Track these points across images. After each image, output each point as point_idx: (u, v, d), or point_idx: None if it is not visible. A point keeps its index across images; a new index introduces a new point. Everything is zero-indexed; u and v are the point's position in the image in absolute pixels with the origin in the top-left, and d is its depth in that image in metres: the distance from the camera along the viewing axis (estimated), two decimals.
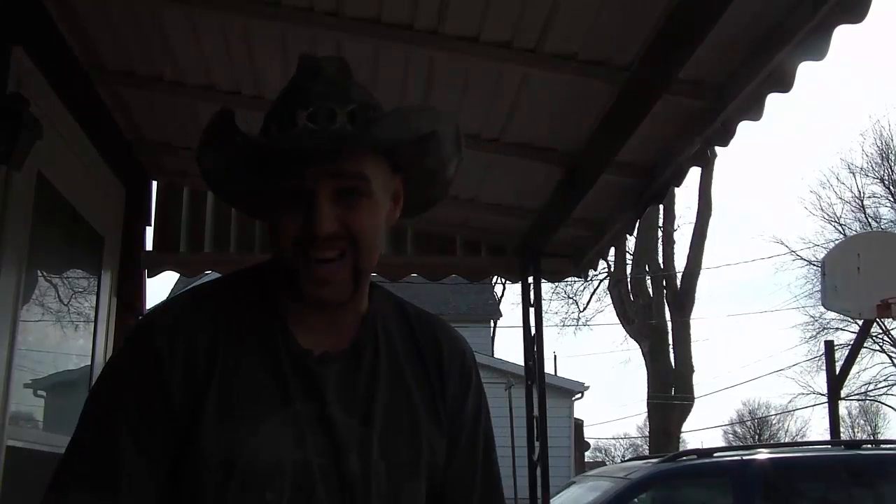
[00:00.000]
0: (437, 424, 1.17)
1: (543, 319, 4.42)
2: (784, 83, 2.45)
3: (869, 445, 9.82)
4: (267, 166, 1.08)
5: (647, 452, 18.78)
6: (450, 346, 1.23)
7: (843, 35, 2.16)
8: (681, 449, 13.20)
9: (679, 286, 17.50)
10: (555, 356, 27.44)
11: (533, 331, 4.32)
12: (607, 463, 25.90)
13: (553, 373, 17.54)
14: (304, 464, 1.07)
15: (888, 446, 6.91)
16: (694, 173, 3.33)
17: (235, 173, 1.13)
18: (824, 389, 10.03)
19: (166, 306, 1.15)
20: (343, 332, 1.15)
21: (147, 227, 4.11)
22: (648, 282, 18.08)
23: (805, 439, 29.19)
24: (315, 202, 1.04)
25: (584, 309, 21.52)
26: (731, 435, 36.89)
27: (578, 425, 16.30)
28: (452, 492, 1.20)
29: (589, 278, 16.16)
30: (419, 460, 1.14)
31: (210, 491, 1.05)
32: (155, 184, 4.19)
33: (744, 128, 2.73)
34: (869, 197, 22.75)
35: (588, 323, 22.21)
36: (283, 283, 1.10)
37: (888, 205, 22.35)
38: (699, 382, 33.85)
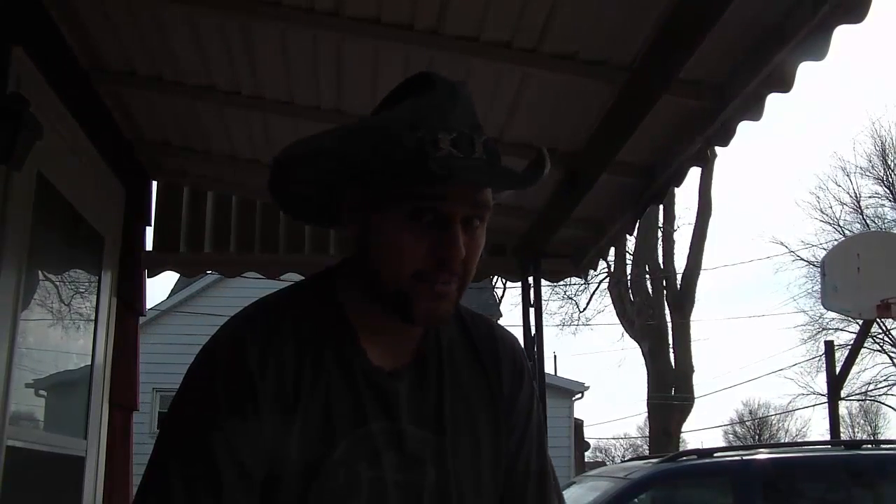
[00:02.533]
0: (496, 424, 1.20)
1: (543, 319, 4.42)
2: (784, 83, 2.45)
3: (869, 445, 9.82)
4: (393, 182, 1.05)
5: (647, 452, 18.78)
6: (503, 345, 1.25)
7: (843, 35, 2.16)
8: (681, 449, 13.20)
9: (679, 286, 17.50)
10: (555, 356, 27.47)
11: (533, 331, 4.32)
12: (607, 463, 25.91)
13: (553, 373, 17.56)
14: (379, 481, 1.09)
15: (888, 446, 6.91)
16: (694, 173, 3.33)
17: (327, 178, 1.13)
18: (824, 389, 10.04)
19: (247, 321, 1.13)
20: (407, 344, 1.16)
21: (147, 227, 4.11)
22: (648, 282, 18.08)
23: (805, 439, 29.20)
24: (452, 227, 1.05)
25: (584, 309, 21.53)
26: (731, 435, 36.90)
27: (578, 425, 16.31)
28: (508, 487, 1.22)
29: (589, 278, 16.18)
30: (485, 461, 1.18)
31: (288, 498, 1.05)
32: (155, 184, 4.18)
33: (744, 128, 2.73)
34: (868, 197, 22.77)
35: (588, 323, 22.22)
36: (384, 302, 1.09)
37: (888, 205, 22.36)
38: (699, 382, 33.90)
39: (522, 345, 1.36)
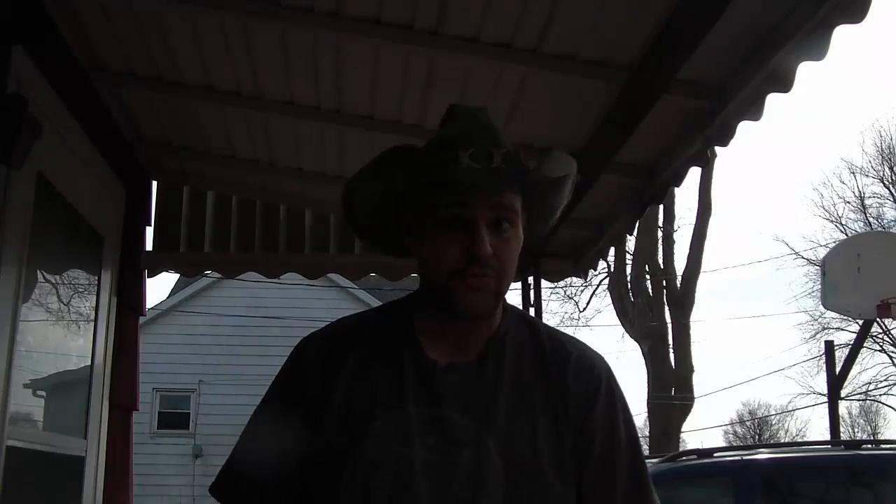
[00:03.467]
0: (559, 436, 1.25)
1: (543, 319, 4.42)
2: (784, 83, 2.45)
3: (869, 445, 9.82)
4: (427, 199, 1.25)
5: (647, 452, 18.77)
6: (578, 364, 1.32)
7: (843, 35, 2.16)
8: (681, 449, 13.20)
9: (679, 286, 17.49)
10: None
11: None
12: None
13: None
14: (406, 459, 1.21)
15: (888, 446, 6.92)
16: (694, 173, 3.33)
17: (379, 206, 1.32)
18: (824, 389, 10.04)
19: (312, 333, 1.37)
20: (471, 347, 1.28)
21: (147, 227, 4.11)
22: (648, 282, 18.07)
23: (805, 439, 29.19)
24: (477, 228, 1.21)
25: (584, 309, 21.52)
26: (731, 435, 36.90)
27: None
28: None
29: (589, 278, 16.17)
30: (541, 465, 1.23)
31: (326, 479, 1.23)
32: (155, 184, 4.18)
33: (744, 128, 2.73)
34: (870, 197, 22.76)
35: (588, 323, 22.20)
36: (434, 302, 1.27)
37: (889, 205, 22.36)
38: (699, 382, 33.85)
39: None
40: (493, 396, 1.25)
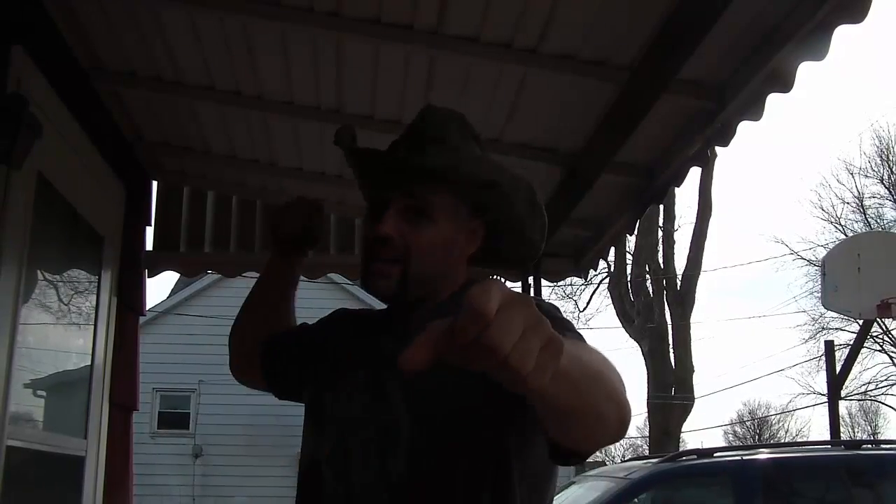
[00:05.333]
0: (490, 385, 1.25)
1: None
2: (784, 83, 2.45)
3: (869, 445, 9.82)
4: (368, 178, 1.40)
5: (647, 452, 18.78)
6: None
7: (843, 35, 2.16)
8: (681, 449, 13.20)
9: (679, 286, 17.49)
10: None
11: None
12: (607, 463, 25.91)
13: None
14: (348, 418, 1.33)
15: (888, 446, 6.91)
16: (694, 173, 3.33)
17: (361, 181, 1.47)
18: (824, 389, 10.03)
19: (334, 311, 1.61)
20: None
21: (147, 227, 4.11)
22: (649, 282, 18.07)
23: (805, 439, 29.19)
24: (382, 212, 1.32)
25: (584, 309, 21.54)
26: (731, 435, 36.92)
27: None
28: None
29: (589, 278, 16.17)
30: (461, 417, 1.25)
31: (306, 431, 1.42)
32: (155, 184, 4.18)
33: (744, 128, 2.73)
34: (869, 197, 22.77)
35: (588, 323, 22.21)
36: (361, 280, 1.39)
37: (888, 205, 22.36)
38: (699, 382, 33.86)
39: None
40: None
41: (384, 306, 1.48)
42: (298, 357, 1.54)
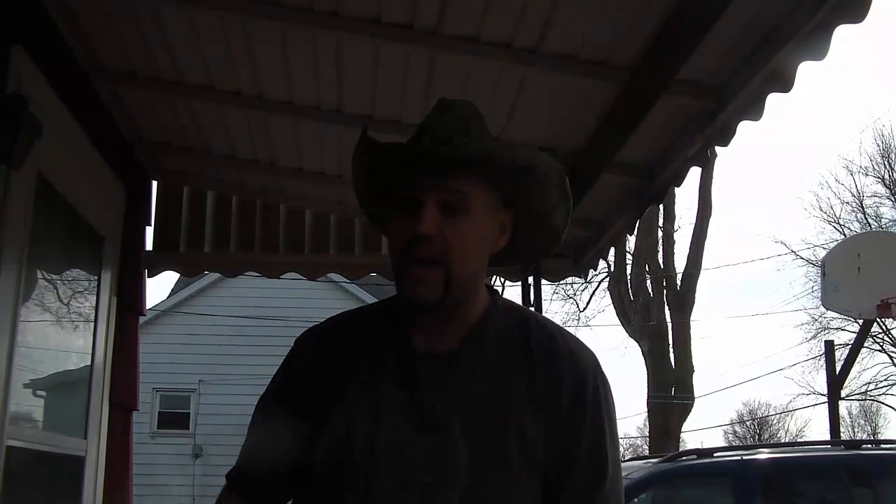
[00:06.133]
0: (535, 426, 1.25)
1: None
2: (784, 83, 2.45)
3: (869, 445, 9.81)
4: (391, 180, 1.28)
5: (647, 452, 18.77)
6: (567, 357, 1.31)
7: (843, 35, 2.16)
8: (681, 449, 13.20)
9: (679, 286, 17.48)
10: None
11: None
12: None
13: None
14: (374, 438, 1.23)
15: (888, 446, 6.91)
16: (694, 173, 3.33)
17: (371, 191, 1.36)
18: (824, 389, 10.03)
19: (311, 327, 1.43)
20: (453, 335, 1.29)
21: (147, 227, 4.11)
22: (648, 282, 18.07)
23: (805, 439, 29.18)
24: (422, 207, 1.22)
25: (584, 309, 21.52)
26: (731, 435, 36.91)
27: None
28: (570, 496, 1.28)
29: (589, 278, 16.16)
30: (509, 454, 1.22)
31: (312, 452, 1.28)
32: (155, 184, 4.18)
33: (744, 128, 2.73)
34: (869, 196, 22.76)
35: (588, 323, 22.20)
36: (396, 289, 1.28)
37: (888, 204, 22.36)
38: (699, 382, 33.82)
39: None
40: (468, 385, 1.25)
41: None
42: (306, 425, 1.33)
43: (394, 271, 1.27)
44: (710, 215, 17.34)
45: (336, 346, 1.34)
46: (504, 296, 1.39)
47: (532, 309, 1.64)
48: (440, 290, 1.23)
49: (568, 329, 1.67)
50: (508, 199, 1.31)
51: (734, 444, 31.15)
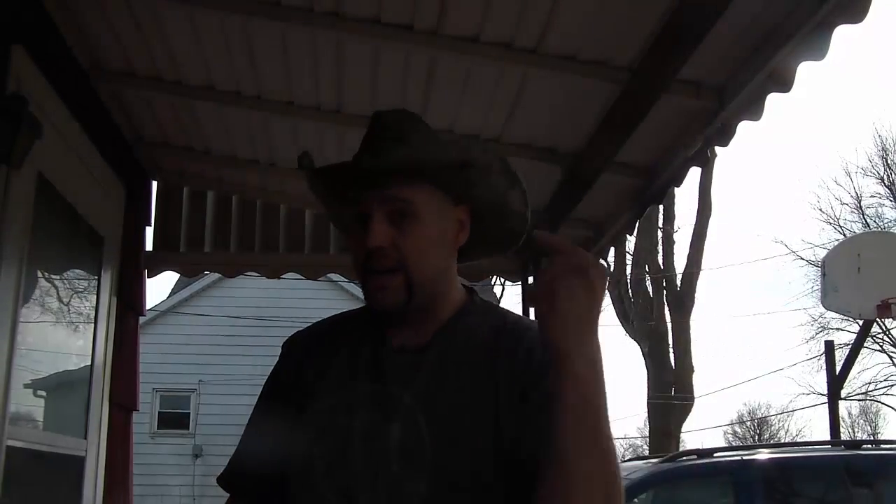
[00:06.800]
0: (500, 411, 1.24)
1: None
2: (784, 83, 2.45)
3: (869, 445, 9.81)
4: (341, 197, 1.32)
5: (647, 452, 18.78)
6: (531, 339, 1.30)
7: (843, 35, 2.16)
8: (681, 449, 13.20)
9: (679, 286, 17.48)
10: None
11: None
12: None
13: None
14: (348, 428, 1.27)
15: (888, 446, 6.91)
16: (694, 173, 3.33)
17: (327, 203, 1.41)
18: (824, 389, 10.03)
19: (296, 332, 1.48)
20: (423, 336, 1.32)
21: (147, 227, 4.11)
22: (648, 282, 18.07)
23: (805, 439, 29.18)
24: (369, 222, 1.25)
25: None
26: (731, 435, 36.91)
27: None
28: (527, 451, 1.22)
29: None
30: (474, 445, 1.23)
31: (292, 446, 1.31)
32: (155, 184, 4.18)
33: (744, 128, 2.73)
34: (869, 197, 22.77)
35: None
36: (364, 296, 1.31)
37: (888, 205, 22.36)
38: (699, 382, 33.84)
39: None
40: (434, 376, 1.28)
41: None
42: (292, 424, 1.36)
43: (359, 282, 1.31)
44: (710, 215, 17.34)
45: (318, 346, 1.40)
46: (503, 297, 1.40)
47: (518, 311, 1.61)
48: (403, 295, 1.27)
49: None
50: (459, 196, 1.33)
51: (734, 444, 31.17)
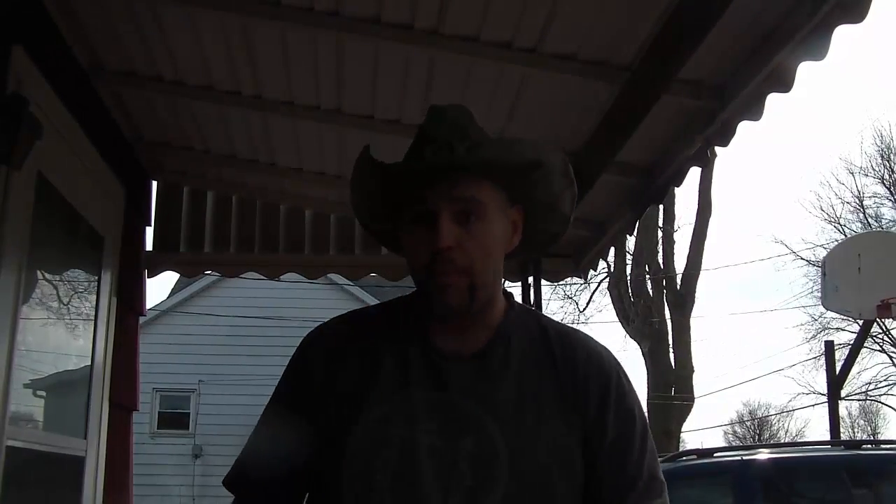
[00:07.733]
0: (568, 427, 1.25)
1: None
2: (784, 83, 2.45)
3: (869, 445, 9.82)
4: (400, 196, 1.26)
5: None
6: (587, 359, 1.31)
7: (843, 35, 2.16)
8: (681, 449, 13.20)
9: (679, 286, 17.48)
10: None
11: None
12: None
13: None
14: (411, 442, 1.21)
15: (888, 446, 6.91)
16: (694, 173, 3.33)
17: (376, 210, 1.34)
18: (824, 389, 10.03)
19: (317, 327, 1.39)
20: (476, 339, 1.29)
21: (147, 227, 4.11)
22: (648, 282, 18.06)
23: (805, 439, 29.18)
24: (437, 221, 1.21)
25: (584, 309, 21.51)
26: (731, 435, 36.90)
27: None
28: (608, 494, 1.27)
29: (589, 278, 16.15)
30: (546, 457, 1.23)
31: (330, 462, 1.24)
32: (155, 184, 4.18)
33: (744, 128, 2.73)
34: (869, 197, 22.77)
35: (588, 323, 22.19)
36: (420, 297, 1.28)
37: (888, 205, 22.36)
38: (699, 382, 33.83)
39: None
40: (499, 386, 1.25)
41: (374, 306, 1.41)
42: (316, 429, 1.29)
43: (416, 283, 1.27)
44: (710, 215, 17.35)
45: (349, 347, 1.31)
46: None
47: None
48: (466, 297, 1.23)
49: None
50: (515, 196, 1.30)
51: (734, 444, 31.17)
